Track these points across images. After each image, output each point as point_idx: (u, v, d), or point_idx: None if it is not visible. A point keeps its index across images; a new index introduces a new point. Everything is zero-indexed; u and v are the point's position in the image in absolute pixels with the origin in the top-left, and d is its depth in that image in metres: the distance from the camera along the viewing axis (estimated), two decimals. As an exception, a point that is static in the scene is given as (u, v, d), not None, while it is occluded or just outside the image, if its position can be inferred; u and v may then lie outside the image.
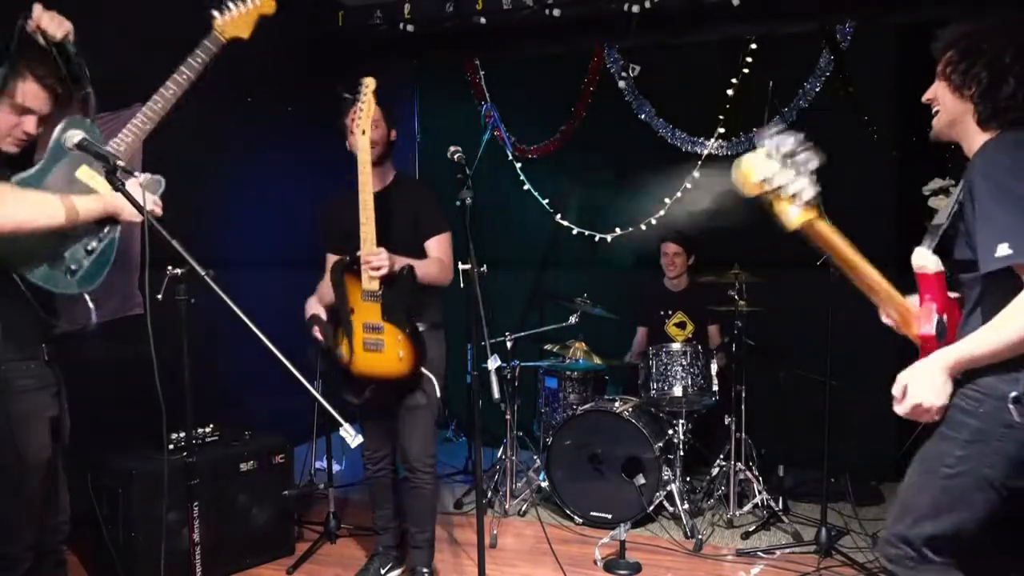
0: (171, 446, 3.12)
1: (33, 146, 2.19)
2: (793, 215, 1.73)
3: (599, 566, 3.53)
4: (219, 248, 4.09)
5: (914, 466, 1.90)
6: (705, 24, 4.77)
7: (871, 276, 1.90)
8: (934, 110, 1.93)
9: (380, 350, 2.92)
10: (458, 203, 2.81)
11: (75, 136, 2.08)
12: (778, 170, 1.70)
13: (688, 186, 5.20)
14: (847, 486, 4.11)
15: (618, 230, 5.46)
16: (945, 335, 1.89)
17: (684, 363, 4.13)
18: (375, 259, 2.83)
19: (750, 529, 3.87)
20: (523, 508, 4.22)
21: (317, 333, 3.06)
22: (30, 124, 2.14)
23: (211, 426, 3.48)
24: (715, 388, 4.17)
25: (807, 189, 1.71)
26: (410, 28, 5.15)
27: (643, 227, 5.36)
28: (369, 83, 2.87)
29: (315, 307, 3.11)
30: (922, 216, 4.34)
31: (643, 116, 5.34)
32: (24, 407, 2.17)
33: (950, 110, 1.89)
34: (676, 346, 4.21)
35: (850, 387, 3.75)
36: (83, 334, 2.27)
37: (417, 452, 3.08)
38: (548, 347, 4.73)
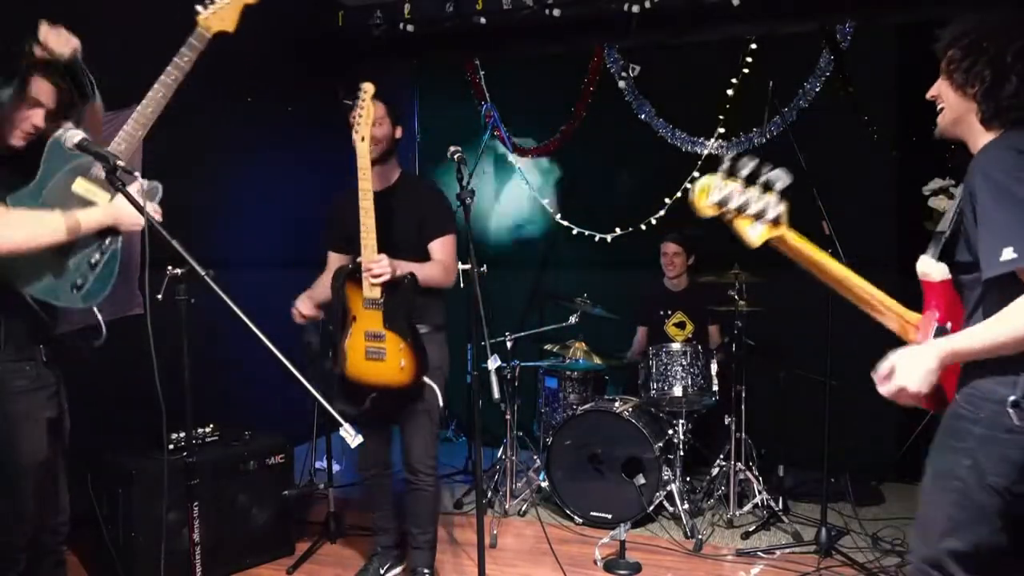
0: (171, 446, 3.13)
1: (34, 146, 2.18)
2: (754, 234, 1.73)
3: (599, 566, 3.53)
4: (219, 248, 4.09)
5: (927, 483, 1.85)
6: (705, 24, 4.77)
7: (859, 286, 1.87)
8: (938, 107, 1.91)
9: (382, 359, 2.90)
10: (458, 203, 2.81)
11: (75, 136, 2.08)
12: (737, 191, 1.70)
13: (688, 186, 5.20)
14: (847, 486, 4.11)
15: (618, 230, 5.46)
16: None
17: (684, 363, 4.14)
18: (376, 267, 2.80)
19: (750, 529, 3.87)
20: (523, 508, 4.22)
21: (300, 317, 3.04)
22: (38, 117, 2.16)
23: (211, 426, 3.48)
24: (715, 388, 4.18)
25: (772, 207, 1.70)
26: (410, 28, 5.15)
27: (643, 227, 5.37)
28: (368, 88, 2.84)
29: (303, 302, 3.11)
30: (922, 216, 4.35)
31: (643, 116, 5.35)
32: (19, 408, 2.16)
33: (954, 108, 1.86)
34: (676, 346, 4.21)
35: (850, 387, 3.73)
36: (92, 348, 2.26)
37: (419, 455, 3.08)
38: (548, 347, 4.74)
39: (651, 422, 4.06)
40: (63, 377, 2.32)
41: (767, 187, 1.70)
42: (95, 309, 2.25)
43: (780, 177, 1.71)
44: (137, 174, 2.07)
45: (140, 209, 1.98)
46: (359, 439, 2.00)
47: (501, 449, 4.44)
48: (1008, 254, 1.63)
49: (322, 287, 3.13)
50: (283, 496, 3.56)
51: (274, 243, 4.56)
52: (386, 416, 3.08)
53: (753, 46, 4.98)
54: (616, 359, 4.73)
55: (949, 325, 1.88)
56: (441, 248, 3.05)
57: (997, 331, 1.66)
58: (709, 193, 1.74)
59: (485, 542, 2.76)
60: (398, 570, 3.36)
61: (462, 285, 2.78)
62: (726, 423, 4.09)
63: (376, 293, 2.85)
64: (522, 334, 4.54)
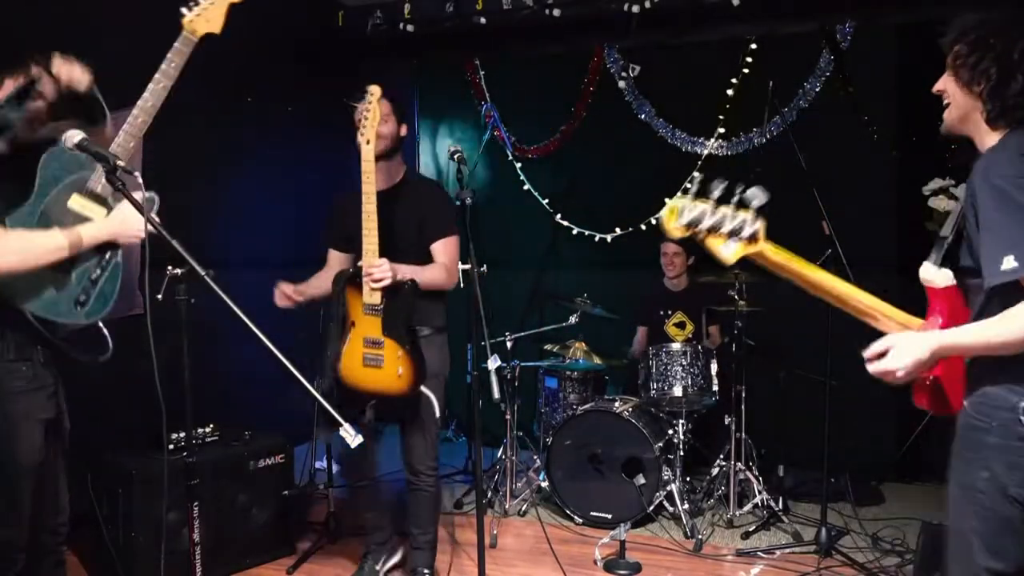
0: (171, 446, 3.12)
1: (29, 158, 2.19)
2: (728, 252, 1.73)
3: (599, 566, 3.53)
4: (219, 248, 4.10)
5: (952, 499, 1.81)
6: (705, 24, 4.77)
7: (853, 296, 1.82)
8: (944, 103, 1.86)
9: (379, 366, 2.86)
10: (458, 203, 2.80)
11: (75, 136, 2.08)
12: (709, 211, 1.70)
13: (688, 186, 5.19)
14: (847, 486, 4.11)
15: (618, 230, 5.46)
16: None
17: (684, 363, 4.13)
18: (377, 271, 2.77)
19: (750, 529, 3.87)
20: (523, 508, 4.22)
21: (282, 299, 3.00)
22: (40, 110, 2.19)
23: (211, 426, 3.48)
24: (715, 388, 4.18)
25: (748, 225, 1.70)
26: (410, 28, 5.15)
27: (643, 227, 5.37)
28: (375, 91, 2.80)
29: (287, 285, 3.04)
30: (922, 216, 4.34)
31: (643, 116, 5.35)
32: (16, 408, 2.16)
33: (960, 105, 1.82)
34: (676, 346, 4.21)
35: (850, 387, 3.73)
36: (97, 363, 2.26)
37: (420, 455, 3.07)
38: (548, 347, 4.74)
39: (651, 422, 4.06)
40: (62, 377, 2.32)
41: (743, 205, 1.70)
42: (100, 324, 2.25)
43: (756, 195, 1.70)
44: (137, 173, 2.06)
45: (140, 208, 1.99)
46: (359, 439, 2.00)
47: (501, 449, 4.43)
48: (1009, 263, 1.60)
49: (317, 283, 3.10)
50: (283, 496, 3.57)
51: (274, 243, 4.56)
52: (385, 417, 3.07)
53: (753, 46, 4.98)
54: (617, 360, 4.73)
55: None
56: (443, 249, 3.02)
57: (994, 331, 1.64)
58: (678, 214, 1.74)
59: (485, 542, 2.76)
60: (394, 561, 3.36)
61: (462, 285, 2.78)
62: (726, 423, 4.09)
63: (376, 299, 2.82)
64: (522, 334, 4.54)
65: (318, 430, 3.48)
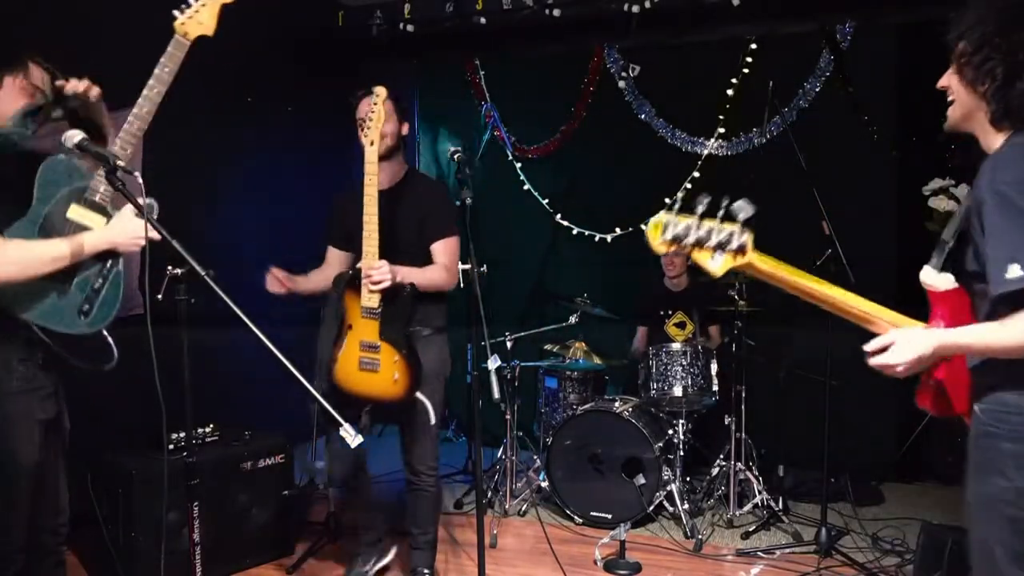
0: (171, 446, 3.12)
1: (27, 169, 2.19)
2: (715, 265, 1.73)
3: (599, 566, 3.52)
4: (219, 248, 4.09)
5: (971, 514, 1.76)
6: (705, 24, 4.78)
7: (849, 304, 1.80)
8: (949, 99, 1.82)
9: (375, 370, 2.84)
10: (458, 203, 2.80)
11: (75, 136, 2.08)
12: (694, 225, 1.70)
13: (688, 186, 5.20)
14: (847, 486, 4.11)
15: (618, 230, 5.46)
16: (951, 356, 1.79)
17: (684, 363, 4.13)
18: (376, 273, 2.75)
19: (750, 529, 3.87)
20: (523, 508, 4.22)
21: (274, 283, 2.97)
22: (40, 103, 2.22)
23: (211, 426, 3.47)
24: (715, 388, 4.18)
25: (736, 237, 1.70)
26: (410, 28, 5.15)
27: (643, 227, 5.36)
28: (381, 92, 2.79)
29: (279, 271, 3.01)
30: (922, 216, 4.34)
31: (643, 116, 5.35)
32: (12, 409, 2.16)
33: (964, 103, 1.78)
34: (676, 346, 4.21)
35: (850, 387, 3.75)
36: (102, 371, 2.26)
37: (420, 455, 3.07)
38: (548, 347, 4.73)
39: (651, 422, 4.06)
40: (63, 378, 2.32)
41: (730, 218, 1.70)
42: (104, 332, 2.25)
43: (743, 208, 1.69)
44: (137, 174, 2.06)
45: (140, 208, 1.99)
46: (359, 439, 2.00)
47: (501, 449, 4.44)
48: (1015, 271, 1.57)
49: (312, 279, 3.08)
50: (283, 496, 3.56)
51: (274, 243, 4.56)
52: (384, 418, 3.05)
53: (753, 46, 4.98)
54: (617, 359, 4.73)
55: None
56: (443, 250, 3.01)
57: (999, 334, 1.62)
58: (662, 230, 1.73)
59: (485, 542, 2.76)
60: (384, 562, 3.35)
61: (462, 285, 2.77)
62: (726, 423, 4.09)
63: (374, 302, 2.80)
64: (522, 334, 4.53)
65: (317, 430, 3.46)
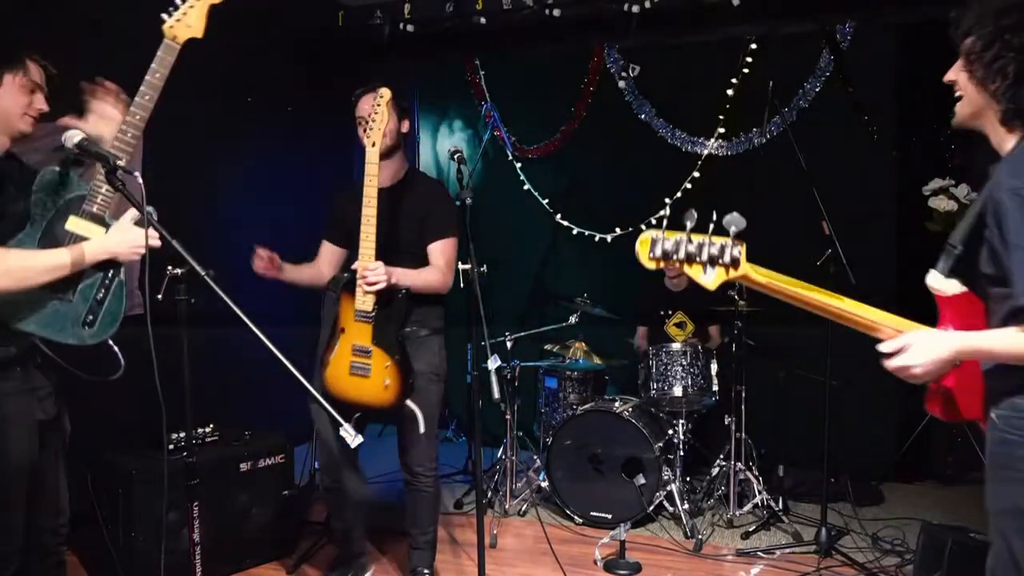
0: (171, 446, 3.12)
1: (23, 180, 2.19)
2: (708, 279, 1.72)
3: (599, 566, 3.53)
4: (218, 247, 4.09)
5: (994, 527, 1.69)
6: (705, 24, 4.78)
7: (849, 312, 1.76)
8: (956, 94, 1.77)
9: (366, 376, 2.80)
10: (458, 203, 2.79)
11: (75, 136, 2.08)
12: (684, 241, 1.69)
13: (688, 186, 5.20)
14: (847, 486, 4.11)
15: (618, 230, 5.46)
16: (960, 361, 1.75)
17: (684, 363, 4.13)
18: (371, 274, 2.72)
19: (750, 529, 3.87)
20: (523, 508, 4.22)
21: (260, 263, 2.92)
22: (40, 101, 2.20)
23: (211, 426, 3.47)
24: (715, 388, 4.18)
25: (728, 250, 1.70)
26: (410, 28, 5.15)
27: (643, 227, 5.35)
28: (385, 94, 2.76)
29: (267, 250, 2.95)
30: (922, 216, 4.35)
31: (643, 116, 5.35)
32: (8, 410, 2.16)
33: (972, 101, 1.74)
34: (676, 346, 4.21)
35: (850, 387, 3.75)
36: (108, 381, 2.26)
37: (417, 456, 3.06)
38: (548, 347, 4.73)
39: (651, 422, 4.06)
40: (62, 379, 2.31)
41: (722, 231, 1.69)
42: (111, 342, 2.25)
43: (734, 221, 1.68)
44: (137, 174, 2.06)
45: (139, 208, 1.99)
46: (359, 439, 2.00)
47: (501, 449, 4.44)
48: None
49: (302, 270, 3.07)
50: (283, 496, 3.56)
51: (274, 242, 4.55)
52: (383, 419, 3.04)
53: (753, 46, 4.98)
54: (618, 360, 4.73)
55: None
56: (440, 252, 2.98)
57: (1022, 342, 1.58)
58: (649, 247, 1.73)
59: (485, 542, 2.76)
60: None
61: (462, 285, 2.76)
62: (726, 423, 4.09)
63: (368, 305, 2.77)
64: (522, 334, 4.53)
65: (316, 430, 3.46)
